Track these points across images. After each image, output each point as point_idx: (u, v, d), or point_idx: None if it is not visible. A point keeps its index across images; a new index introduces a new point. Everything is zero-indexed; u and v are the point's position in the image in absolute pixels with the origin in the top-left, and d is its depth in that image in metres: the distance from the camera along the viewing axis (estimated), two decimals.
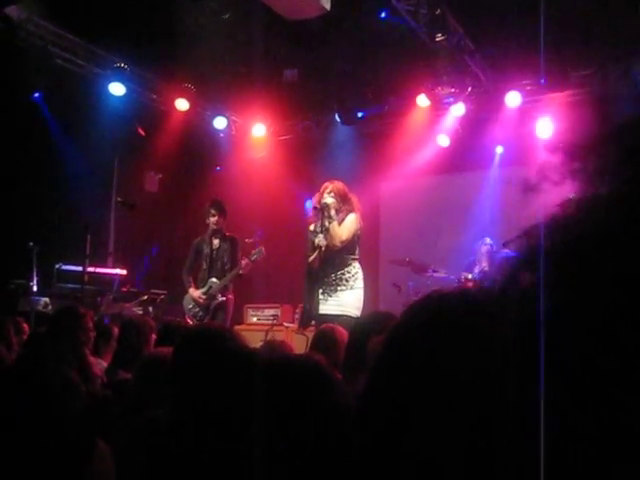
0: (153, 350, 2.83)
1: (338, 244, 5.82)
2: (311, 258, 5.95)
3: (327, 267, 5.89)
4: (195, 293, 7.20)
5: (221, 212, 7.29)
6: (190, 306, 7.24)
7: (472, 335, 0.72)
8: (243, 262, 7.06)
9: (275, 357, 1.73)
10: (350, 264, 5.91)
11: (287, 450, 1.48)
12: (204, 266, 7.28)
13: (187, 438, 1.97)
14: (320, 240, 5.84)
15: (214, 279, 7.21)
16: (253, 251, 7.14)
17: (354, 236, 5.92)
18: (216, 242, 7.32)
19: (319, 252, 5.87)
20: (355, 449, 0.78)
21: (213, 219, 7.26)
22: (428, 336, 0.75)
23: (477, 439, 0.66)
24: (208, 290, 7.19)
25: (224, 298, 7.20)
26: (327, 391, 1.54)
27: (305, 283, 6.08)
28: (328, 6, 6.48)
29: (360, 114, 9.79)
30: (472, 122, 9.28)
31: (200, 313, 7.15)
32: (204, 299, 7.16)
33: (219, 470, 1.87)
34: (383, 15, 7.67)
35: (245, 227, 10.14)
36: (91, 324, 4.17)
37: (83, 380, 2.65)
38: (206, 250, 7.30)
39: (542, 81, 8.53)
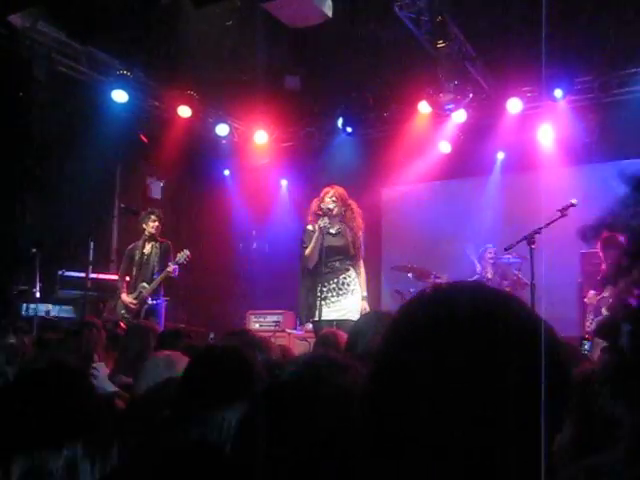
0: (155, 353, 2.84)
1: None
2: (307, 251, 5.95)
3: (327, 273, 5.90)
4: (127, 299, 7.21)
5: (161, 219, 7.37)
6: (123, 311, 7.22)
7: (472, 329, 0.73)
8: (170, 266, 7.11)
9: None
10: (349, 269, 5.98)
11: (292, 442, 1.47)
12: (134, 272, 7.29)
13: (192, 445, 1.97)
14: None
15: (144, 284, 7.23)
16: (179, 254, 7.19)
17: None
18: (148, 248, 7.33)
19: (320, 252, 5.87)
20: (359, 437, 0.79)
21: (153, 224, 7.31)
22: (428, 330, 0.76)
23: (477, 429, 0.67)
24: (138, 295, 7.22)
25: (154, 302, 7.24)
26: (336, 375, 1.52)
27: (302, 280, 6.09)
28: (330, 13, 6.52)
29: (359, 123, 9.85)
30: (473, 128, 9.29)
31: (131, 318, 7.05)
32: (135, 304, 7.19)
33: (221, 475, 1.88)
34: None
35: (247, 233, 10.19)
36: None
37: None
38: (137, 256, 7.31)
39: (543, 87, 8.54)
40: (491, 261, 8.35)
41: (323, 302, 5.82)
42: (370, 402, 0.77)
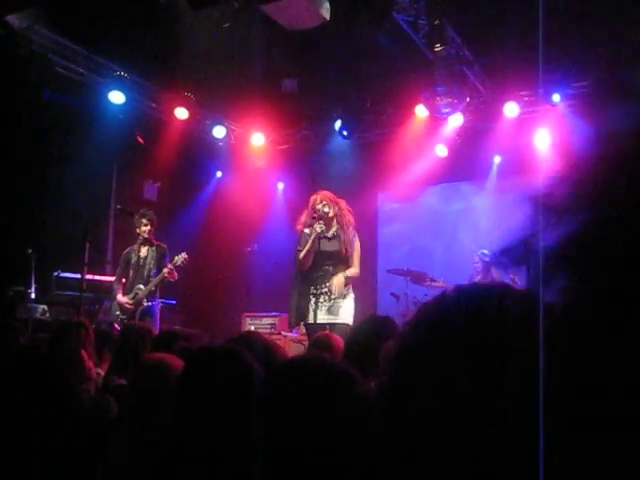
0: (150, 355, 2.83)
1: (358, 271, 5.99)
2: (302, 255, 5.93)
3: (321, 277, 5.90)
4: (122, 299, 7.20)
5: (153, 222, 7.34)
6: (117, 312, 7.20)
7: (484, 334, 0.72)
8: (166, 268, 7.10)
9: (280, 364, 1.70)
10: (342, 273, 5.96)
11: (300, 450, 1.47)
12: (130, 274, 7.29)
13: (187, 449, 1.96)
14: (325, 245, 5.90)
15: (140, 286, 7.22)
16: (176, 257, 7.18)
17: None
18: (144, 251, 7.33)
19: (314, 255, 5.87)
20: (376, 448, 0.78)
21: (145, 228, 7.30)
22: (441, 336, 0.75)
23: (509, 437, 0.66)
24: (134, 297, 7.21)
25: (150, 304, 7.22)
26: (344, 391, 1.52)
27: (294, 283, 6.08)
28: (327, 16, 6.53)
29: (356, 126, 9.85)
30: (470, 132, 9.31)
31: (126, 320, 7.01)
32: (131, 304, 7.17)
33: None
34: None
35: (242, 236, 10.17)
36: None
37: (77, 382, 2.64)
38: (134, 259, 7.31)
39: (540, 91, 8.57)
40: (482, 266, 8.38)
41: (316, 305, 5.82)
42: (391, 408, 0.76)
